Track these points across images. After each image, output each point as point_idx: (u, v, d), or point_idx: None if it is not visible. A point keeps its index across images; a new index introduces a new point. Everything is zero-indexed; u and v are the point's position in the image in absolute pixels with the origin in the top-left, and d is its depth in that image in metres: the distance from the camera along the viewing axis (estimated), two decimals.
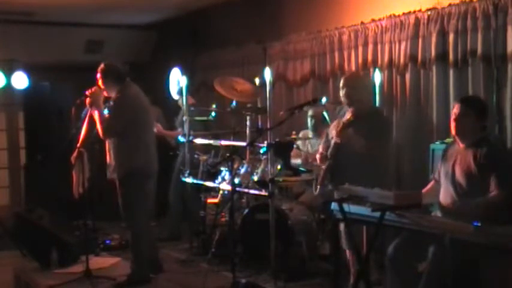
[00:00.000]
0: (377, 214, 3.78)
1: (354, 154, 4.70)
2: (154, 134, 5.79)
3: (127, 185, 5.39)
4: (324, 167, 4.88)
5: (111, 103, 5.45)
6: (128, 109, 5.38)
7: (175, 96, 7.36)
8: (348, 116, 4.82)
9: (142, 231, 5.48)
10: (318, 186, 4.92)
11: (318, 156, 5.05)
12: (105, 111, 5.56)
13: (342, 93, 4.93)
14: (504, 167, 3.93)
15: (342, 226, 4.64)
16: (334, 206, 4.21)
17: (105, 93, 5.45)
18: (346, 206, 4.03)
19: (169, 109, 7.66)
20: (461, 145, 4.10)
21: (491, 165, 3.92)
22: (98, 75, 5.47)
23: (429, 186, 4.36)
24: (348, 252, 4.84)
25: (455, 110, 4.11)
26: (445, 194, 4.12)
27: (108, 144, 5.52)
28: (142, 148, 5.43)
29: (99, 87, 5.44)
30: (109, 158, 5.50)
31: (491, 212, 3.81)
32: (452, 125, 4.12)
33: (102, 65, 5.50)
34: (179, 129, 7.06)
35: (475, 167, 3.96)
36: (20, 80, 8.47)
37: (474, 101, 4.22)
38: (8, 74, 8.43)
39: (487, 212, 3.80)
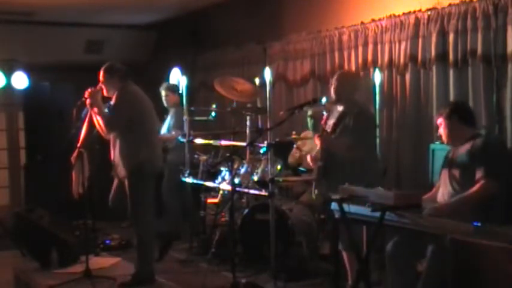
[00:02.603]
0: (377, 214, 3.78)
1: (341, 154, 4.75)
2: (158, 133, 5.77)
3: (133, 182, 5.39)
4: (315, 168, 4.92)
5: (112, 100, 5.47)
6: (130, 104, 5.41)
7: (162, 92, 7.13)
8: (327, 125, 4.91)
9: (148, 231, 5.47)
10: (316, 190, 4.96)
11: (308, 157, 5.08)
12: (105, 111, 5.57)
13: (331, 88, 4.96)
14: (494, 157, 3.98)
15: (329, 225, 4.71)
16: (334, 206, 4.22)
17: (104, 93, 5.46)
18: (346, 206, 4.04)
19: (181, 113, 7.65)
20: (458, 145, 4.18)
21: (482, 155, 3.97)
22: (103, 73, 5.46)
23: (431, 192, 4.36)
24: (344, 253, 4.83)
25: (439, 122, 4.24)
26: (442, 191, 4.15)
27: (112, 143, 5.52)
28: (146, 145, 5.43)
29: (100, 86, 5.45)
30: (113, 156, 5.50)
31: (478, 204, 3.87)
32: (442, 135, 4.25)
33: (107, 64, 5.51)
34: (173, 132, 6.99)
35: (468, 159, 4.02)
36: (20, 80, 8.47)
37: (454, 109, 4.25)
38: (8, 74, 8.43)
39: (471, 205, 3.88)
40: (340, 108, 4.91)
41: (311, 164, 5.06)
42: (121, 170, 5.45)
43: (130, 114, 5.37)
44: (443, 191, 4.16)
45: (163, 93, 7.10)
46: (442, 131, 4.24)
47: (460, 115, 4.18)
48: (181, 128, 6.89)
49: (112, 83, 5.44)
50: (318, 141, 4.90)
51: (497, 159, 4.01)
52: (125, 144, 5.39)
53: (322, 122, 4.98)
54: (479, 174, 3.94)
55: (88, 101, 5.43)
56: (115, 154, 5.47)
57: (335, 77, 5.00)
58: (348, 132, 4.76)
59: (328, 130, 4.90)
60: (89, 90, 5.43)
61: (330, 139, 4.85)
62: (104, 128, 5.40)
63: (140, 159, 5.37)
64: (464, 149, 4.09)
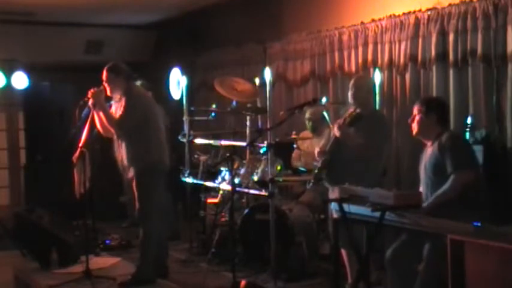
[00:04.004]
0: (377, 214, 3.78)
1: (351, 153, 4.73)
2: (164, 132, 5.76)
3: (142, 182, 5.39)
4: (320, 162, 4.90)
5: (116, 100, 5.46)
6: (139, 105, 5.41)
7: None
8: (349, 112, 4.86)
9: (154, 231, 5.46)
10: (312, 181, 4.93)
11: (316, 150, 5.06)
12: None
13: (349, 93, 4.95)
14: (458, 150, 4.02)
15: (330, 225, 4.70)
16: (334, 205, 4.22)
17: (108, 93, 5.45)
18: (346, 206, 4.04)
19: (170, 109, 7.65)
20: (428, 143, 4.22)
21: (447, 151, 4.01)
22: (107, 73, 5.44)
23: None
24: (343, 252, 4.83)
25: (414, 111, 4.24)
26: (424, 191, 4.17)
27: (118, 146, 5.51)
28: (155, 144, 5.44)
29: (103, 86, 5.44)
30: (121, 159, 5.50)
31: (458, 197, 3.90)
32: (412, 127, 4.25)
33: (112, 63, 5.51)
34: None
35: (439, 157, 4.05)
36: (20, 80, 8.47)
37: (434, 107, 4.24)
38: (8, 74, 8.43)
39: (452, 200, 3.90)
40: (352, 109, 4.89)
41: (317, 157, 5.04)
42: (129, 171, 5.45)
43: (141, 114, 5.38)
44: (424, 190, 4.19)
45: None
46: (414, 123, 4.24)
47: (439, 115, 4.19)
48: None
49: (116, 82, 5.43)
50: (336, 131, 4.82)
51: (461, 151, 4.05)
52: (135, 144, 5.39)
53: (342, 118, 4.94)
54: (449, 169, 3.99)
55: (91, 101, 5.43)
56: (124, 157, 5.46)
57: (352, 82, 4.98)
58: (362, 133, 4.75)
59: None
60: (92, 90, 5.42)
61: (348, 131, 4.81)
62: (112, 128, 5.40)
63: (152, 159, 5.39)
64: (432, 148, 4.14)
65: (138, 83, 6.94)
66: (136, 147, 5.39)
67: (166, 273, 5.66)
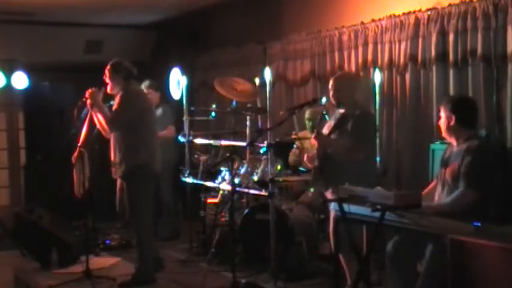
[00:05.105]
0: (377, 214, 3.78)
1: (339, 155, 4.71)
2: (157, 134, 5.73)
3: (132, 183, 5.40)
4: (312, 167, 4.89)
5: (115, 100, 5.48)
6: (134, 103, 5.42)
7: (144, 90, 6.79)
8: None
9: (148, 231, 5.48)
10: (311, 189, 4.93)
11: (305, 157, 5.05)
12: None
13: (330, 94, 4.93)
14: (477, 168, 3.92)
15: (331, 226, 4.66)
16: (334, 206, 4.22)
17: (108, 89, 5.46)
18: (346, 206, 4.04)
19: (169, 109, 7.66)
20: (454, 144, 4.13)
21: (466, 164, 3.93)
22: (109, 69, 5.46)
23: (429, 187, 4.36)
24: (340, 255, 4.67)
25: (440, 114, 4.18)
26: (438, 192, 4.16)
27: (112, 143, 5.52)
28: (146, 146, 5.43)
29: (105, 83, 5.45)
30: (113, 156, 5.50)
31: (459, 211, 3.83)
32: (440, 127, 4.20)
33: (115, 60, 5.52)
34: (169, 127, 7.11)
35: (459, 164, 3.98)
36: (20, 80, 8.46)
37: (457, 102, 4.19)
38: (8, 74, 8.43)
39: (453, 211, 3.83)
40: (341, 110, 4.88)
41: (307, 163, 5.03)
42: (117, 170, 5.45)
43: (132, 114, 5.37)
44: (438, 191, 4.16)
45: (144, 91, 6.97)
46: (441, 123, 4.17)
47: (459, 117, 4.05)
48: (173, 124, 7.02)
49: (115, 79, 5.45)
50: (314, 142, 4.85)
51: (477, 170, 3.93)
52: (125, 144, 5.39)
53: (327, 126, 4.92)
54: (461, 183, 3.92)
55: (89, 101, 5.44)
56: (115, 154, 5.47)
57: (331, 81, 4.93)
58: (347, 135, 4.73)
59: (326, 132, 4.88)
60: (90, 90, 5.43)
61: (326, 140, 4.80)
62: (106, 127, 5.41)
63: (140, 160, 5.37)
64: (458, 150, 4.05)
65: (146, 83, 7.00)
66: (127, 147, 5.39)
67: (162, 264, 5.75)
